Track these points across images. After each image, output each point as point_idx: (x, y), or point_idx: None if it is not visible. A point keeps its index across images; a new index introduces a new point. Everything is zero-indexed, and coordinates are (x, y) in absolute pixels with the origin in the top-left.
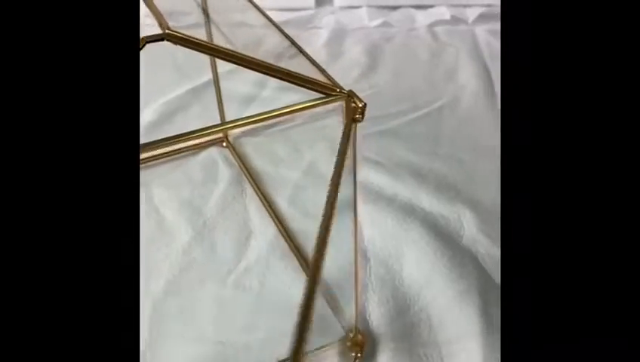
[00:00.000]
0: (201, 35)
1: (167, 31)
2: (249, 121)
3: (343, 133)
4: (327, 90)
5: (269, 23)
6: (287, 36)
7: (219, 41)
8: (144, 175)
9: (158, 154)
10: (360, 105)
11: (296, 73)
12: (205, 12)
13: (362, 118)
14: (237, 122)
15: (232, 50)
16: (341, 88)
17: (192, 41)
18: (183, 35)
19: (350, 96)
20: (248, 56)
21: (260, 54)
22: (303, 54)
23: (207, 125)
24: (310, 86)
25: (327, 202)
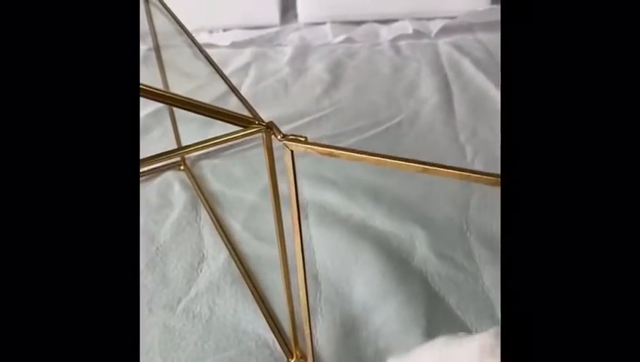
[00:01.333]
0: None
1: None
2: (195, 147)
3: (268, 167)
4: (247, 122)
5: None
6: (215, 67)
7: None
8: None
9: None
10: (279, 137)
11: (218, 108)
12: (155, 39)
13: (306, 139)
14: (185, 149)
15: (158, 90)
16: (261, 121)
17: None
18: None
19: (269, 127)
20: (166, 92)
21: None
22: (229, 86)
23: (168, 148)
24: (229, 120)
25: (277, 232)
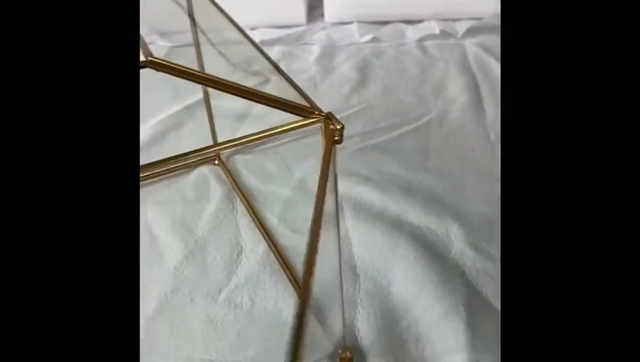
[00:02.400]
0: (192, 54)
1: (149, 58)
2: (238, 142)
3: (324, 155)
4: (306, 112)
5: (253, 44)
6: (271, 61)
7: (210, 60)
8: None
9: (151, 174)
10: (338, 127)
11: (276, 97)
12: (195, 34)
13: (341, 139)
14: (226, 144)
15: (213, 77)
16: (320, 111)
17: (173, 67)
18: (165, 61)
19: (328, 118)
20: (230, 83)
21: (256, 70)
22: (286, 79)
23: (201, 143)
24: (290, 109)
25: (313, 222)
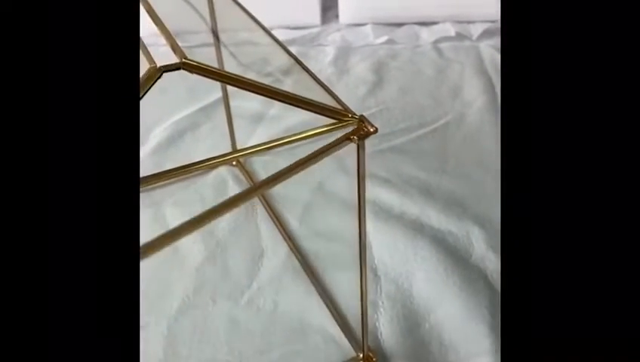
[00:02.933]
0: (209, 54)
1: (183, 60)
2: (261, 148)
3: (359, 159)
4: (339, 114)
5: (276, 42)
6: (295, 59)
7: (228, 60)
8: (156, 194)
9: (170, 175)
10: (372, 130)
11: (306, 98)
12: (215, 34)
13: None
14: (249, 149)
15: (247, 79)
16: (353, 113)
17: (208, 70)
18: (200, 64)
19: (362, 121)
20: (262, 84)
21: (269, 71)
22: (314, 79)
23: (217, 144)
24: (323, 112)
25: (360, 229)
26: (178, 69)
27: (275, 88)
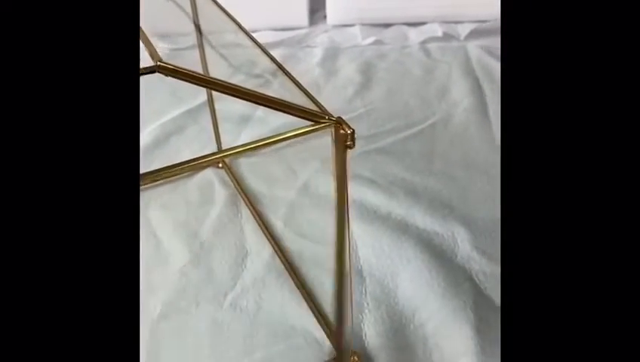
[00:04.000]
0: (196, 57)
1: (158, 63)
2: (242, 149)
3: (336, 160)
4: (316, 117)
5: (256, 45)
6: (275, 61)
7: (218, 62)
8: (141, 197)
9: (155, 177)
10: (349, 132)
11: (285, 101)
12: (199, 36)
13: (353, 144)
14: (231, 150)
15: (222, 82)
16: (330, 115)
17: (183, 73)
18: (175, 67)
19: (339, 122)
20: (239, 87)
21: (258, 73)
22: (293, 82)
23: (203, 146)
24: (299, 114)
25: (338, 230)
26: (153, 72)
27: (251, 91)
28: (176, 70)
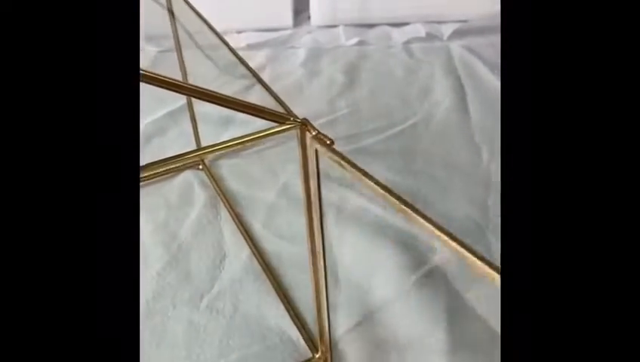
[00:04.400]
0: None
1: None
2: (216, 148)
3: (302, 161)
4: (282, 118)
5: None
6: (249, 68)
7: (197, 63)
8: None
9: None
10: (313, 133)
11: (253, 104)
12: (176, 38)
13: (332, 142)
14: (205, 150)
15: (190, 86)
16: (295, 117)
17: (148, 76)
18: (145, 71)
19: (304, 124)
20: (207, 91)
21: (243, 74)
22: (263, 85)
23: (185, 149)
24: (265, 116)
25: (309, 231)
26: None
27: (217, 93)
28: (153, 77)
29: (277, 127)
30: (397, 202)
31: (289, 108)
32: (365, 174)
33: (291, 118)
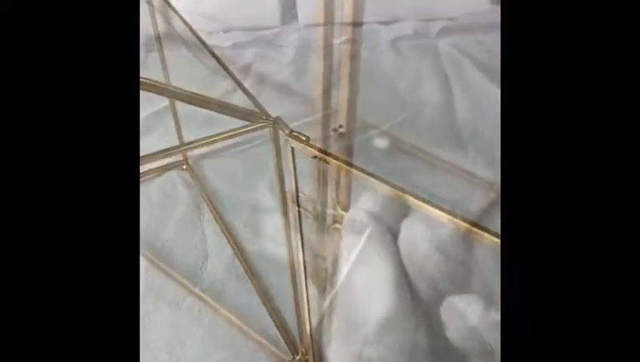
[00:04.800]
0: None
1: None
2: (189, 147)
3: (275, 159)
4: (255, 117)
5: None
6: (220, 62)
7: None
8: None
9: None
10: (287, 131)
11: (227, 104)
12: (158, 40)
13: (308, 138)
14: (182, 147)
15: (162, 84)
16: (268, 115)
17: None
18: None
19: (276, 122)
20: (179, 89)
21: (223, 76)
22: (238, 85)
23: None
24: (239, 115)
25: (285, 230)
26: None
27: (193, 93)
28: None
29: (248, 125)
30: (394, 189)
31: (263, 107)
32: (349, 164)
33: (264, 117)
